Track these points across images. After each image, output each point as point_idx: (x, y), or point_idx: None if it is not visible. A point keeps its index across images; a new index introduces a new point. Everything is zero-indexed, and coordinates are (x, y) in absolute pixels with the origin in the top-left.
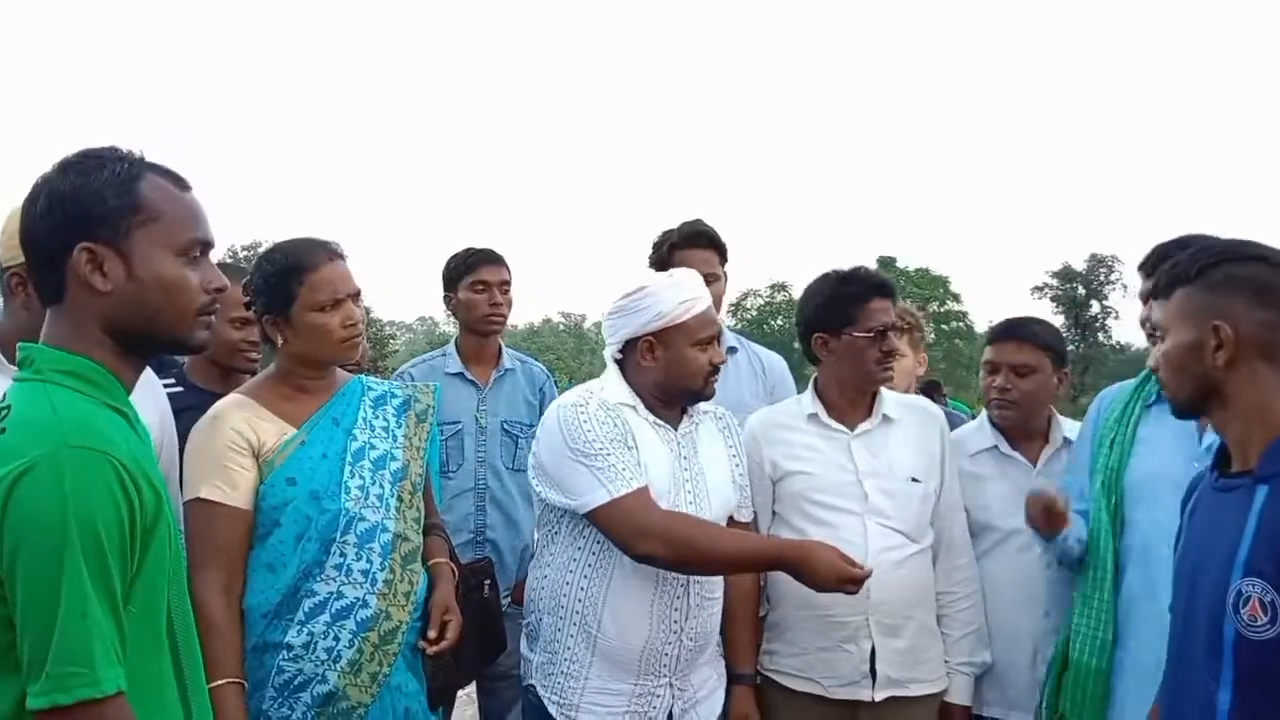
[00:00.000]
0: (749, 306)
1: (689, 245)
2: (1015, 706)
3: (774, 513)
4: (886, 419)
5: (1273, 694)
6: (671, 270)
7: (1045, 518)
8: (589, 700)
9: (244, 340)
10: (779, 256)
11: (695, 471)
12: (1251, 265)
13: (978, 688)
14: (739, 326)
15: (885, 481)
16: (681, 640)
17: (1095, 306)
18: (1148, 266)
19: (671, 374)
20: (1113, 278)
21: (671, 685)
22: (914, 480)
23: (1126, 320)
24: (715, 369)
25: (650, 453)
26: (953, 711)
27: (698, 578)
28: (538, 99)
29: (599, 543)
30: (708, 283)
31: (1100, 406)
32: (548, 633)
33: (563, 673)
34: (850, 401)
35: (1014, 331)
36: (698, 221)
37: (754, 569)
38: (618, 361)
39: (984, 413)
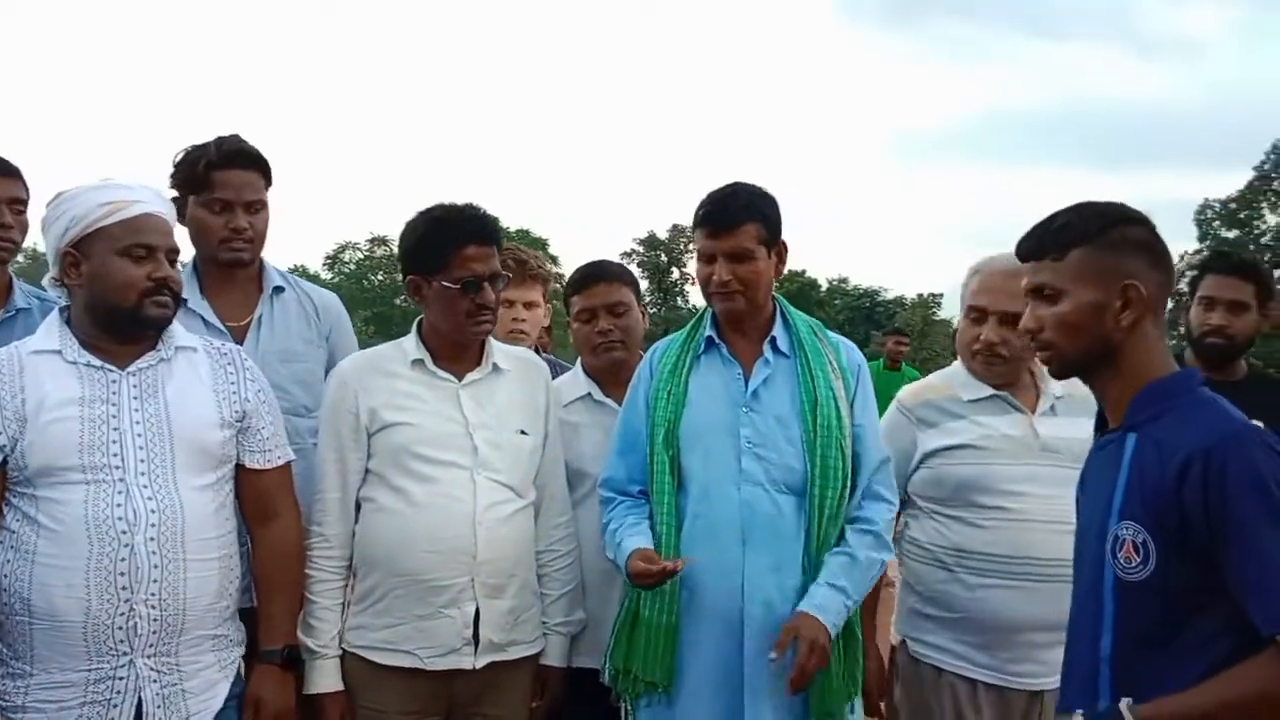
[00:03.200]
0: (348, 260)
1: (229, 165)
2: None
3: (368, 470)
4: (496, 369)
5: (1144, 638)
6: (112, 175)
7: (651, 582)
8: (35, 699)
9: None
10: (379, 209)
11: (150, 415)
12: (1137, 228)
13: (573, 638)
14: (337, 280)
15: (494, 433)
16: (135, 609)
17: (675, 273)
18: (711, 220)
19: (95, 291)
20: (691, 247)
21: (136, 665)
22: (522, 433)
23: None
24: (160, 286)
25: (57, 408)
26: (549, 674)
27: (153, 534)
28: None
29: (19, 515)
30: (254, 210)
31: (652, 360)
32: None
33: (11, 674)
34: (456, 349)
35: (602, 273)
36: (236, 137)
37: None
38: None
39: (579, 362)
